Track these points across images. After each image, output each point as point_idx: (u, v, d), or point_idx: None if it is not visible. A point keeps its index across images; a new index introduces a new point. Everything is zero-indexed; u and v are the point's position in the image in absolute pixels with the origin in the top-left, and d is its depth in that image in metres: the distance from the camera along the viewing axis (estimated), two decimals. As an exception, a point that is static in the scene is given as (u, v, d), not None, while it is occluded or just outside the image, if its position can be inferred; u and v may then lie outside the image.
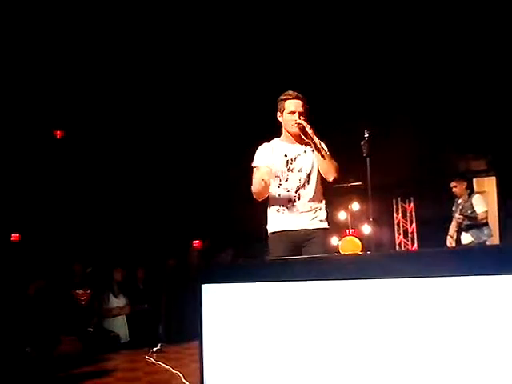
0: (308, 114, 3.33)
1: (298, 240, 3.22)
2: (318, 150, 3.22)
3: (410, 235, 9.97)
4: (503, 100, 7.29)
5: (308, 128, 3.18)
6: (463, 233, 5.91)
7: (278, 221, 3.29)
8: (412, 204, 9.97)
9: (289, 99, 3.31)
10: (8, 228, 8.15)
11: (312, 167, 3.30)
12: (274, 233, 3.29)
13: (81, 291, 6.24)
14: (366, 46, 6.57)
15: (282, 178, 3.28)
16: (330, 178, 3.26)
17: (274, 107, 3.44)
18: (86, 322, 6.01)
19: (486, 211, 5.91)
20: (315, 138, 3.20)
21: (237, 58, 6.88)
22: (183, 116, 8.29)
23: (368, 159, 3.91)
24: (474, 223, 5.83)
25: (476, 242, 5.78)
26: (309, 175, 3.30)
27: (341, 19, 6.32)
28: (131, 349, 5.92)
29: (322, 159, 3.22)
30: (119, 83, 7.39)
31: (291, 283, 1.32)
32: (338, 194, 9.49)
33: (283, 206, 3.27)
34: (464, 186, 6.08)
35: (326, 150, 3.28)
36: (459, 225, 5.92)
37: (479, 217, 5.80)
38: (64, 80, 7.23)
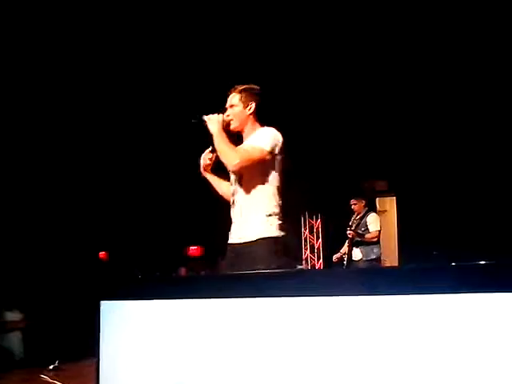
0: (248, 105, 2.99)
1: (232, 255, 2.94)
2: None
3: (316, 250, 10.28)
4: (402, 123, 7.76)
5: (209, 125, 2.90)
6: (354, 249, 6.17)
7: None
8: (319, 220, 10.30)
9: (227, 96, 3.07)
10: None
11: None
12: None
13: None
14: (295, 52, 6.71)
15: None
16: (228, 168, 2.92)
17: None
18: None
19: (378, 231, 6.22)
20: (212, 132, 2.88)
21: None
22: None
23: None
24: (365, 241, 6.11)
25: (365, 259, 6.07)
26: (240, 177, 2.95)
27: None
28: (26, 367, 5.58)
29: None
30: (108, 88, 7.06)
31: (195, 301, 1.30)
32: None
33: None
34: (363, 204, 6.38)
35: (218, 144, 2.87)
36: (351, 240, 6.18)
37: (371, 235, 6.10)
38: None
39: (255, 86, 3.06)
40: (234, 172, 2.93)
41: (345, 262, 6.24)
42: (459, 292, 0.97)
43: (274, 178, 2.90)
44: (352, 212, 6.42)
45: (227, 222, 3.08)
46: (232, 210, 3.00)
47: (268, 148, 2.82)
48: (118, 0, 5.74)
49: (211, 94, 3.50)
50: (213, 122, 2.87)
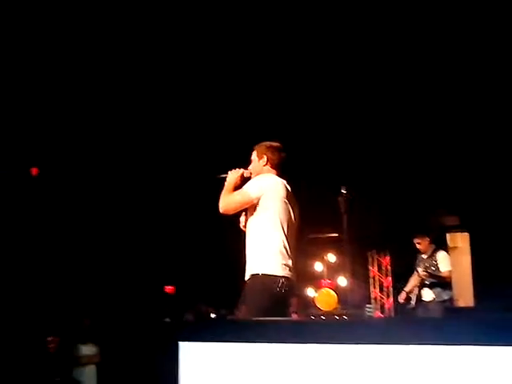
0: (261, 159, 3.40)
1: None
2: None
3: (385, 289, 9.98)
4: (475, 158, 7.52)
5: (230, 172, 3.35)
6: (425, 289, 5.89)
7: None
8: (388, 258, 10.03)
9: None
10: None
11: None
12: None
13: (50, 338, 6.06)
14: (346, 106, 6.78)
15: None
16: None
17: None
18: (54, 370, 5.82)
19: (450, 271, 5.93)
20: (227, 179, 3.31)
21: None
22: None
23: (345, 215, 3.98)
24: (437, 281, 5.83)
25: (437, 300, 5.79)
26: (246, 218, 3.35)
27: (322, 76, 6.54)
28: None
29: None
30: (95, 120, 7.43)
31: (275, 345, 1.33)
32: (313, 245, 9.54)
33: None
34: (427, 242, 6.10)
35: (222, 194, 3.27)
36: (422, 281, 5.91)
37: (443, 275, 5.83)
38: (39, 117, 7.24)
39: (269, 143, 3.47)
40: (223, 214, 3.25)
41: (412, 302, 5.96)
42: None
43: (271, 222, 3.15)
44: (417, 251, 6.18)
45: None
46: None
47: (252, 194, 3.18)
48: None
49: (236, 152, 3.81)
50: (232, 173, 3.34)
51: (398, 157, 7.75)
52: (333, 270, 9.85)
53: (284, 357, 1.33)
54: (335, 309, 8.24)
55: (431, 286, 5.83)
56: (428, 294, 5.84)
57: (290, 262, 3.12)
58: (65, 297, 7.44)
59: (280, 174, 3.38)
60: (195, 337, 1.58)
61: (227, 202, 3.22)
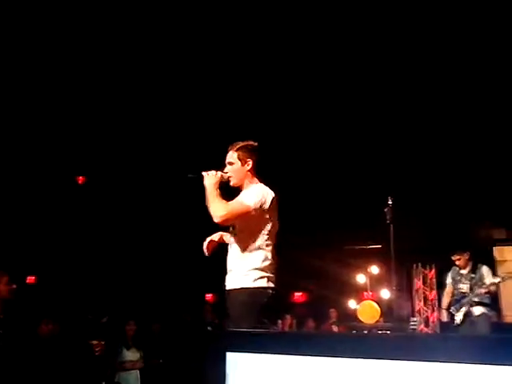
0: (246, 162, 3.15)
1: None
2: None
3: (430, 302, 9.76)
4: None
5: (205, 180, 3.06)
6: (475, 306, 5.77)
7: None
8: (433, 270, 9.81)
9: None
10: (24, 270, 8.20)
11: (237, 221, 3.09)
12: None
13: (95, 341, 6.17)
14: (387, 117, 6.72)
15: None
16: (213, 221, 2.98)
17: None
18: (99, 374, 5.92)
19: (496, 282, 5.83)
20: (206, 188, 3.04)
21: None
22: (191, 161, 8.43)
23: (391, 226, 3.94)
24: (485, 296, 5.72)
25: (485, 313, 5.67)
26: (233, 228, 3.13)
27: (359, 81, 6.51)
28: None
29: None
30: (138, 129, 7.58)
31: (329, 359, 1.32)
32: (356, 257, 9.44)
33: None
34: (467, 258, 6.01)
35: (209, 199, 3.01)
36: (470, 299, 5.78)
37: (491, 289, 5.71)
38: (85, 125, 7.44)
39: (253, 143, 3.21)
40: (219, 224, 3.02)
41: (457, 318, 5.84)
42: None
43: (263, 234, 3.03)
44: (454, 264, 6.07)
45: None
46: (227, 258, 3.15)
47: (252, 205, 2.97)
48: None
49: (209, 150, 3.60)
50: (209, 177, 3.06)
51: (444, 168, 7.61)
52: (376, 282, 9.71)
53: (334, 371, 1.32)
54: (377, 322, 8.10)
55: (480, 303, 5.70)
56: (478, 309, 5.72)
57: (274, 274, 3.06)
58: (111, 301, 7.59)
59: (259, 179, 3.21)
60: (243, 347, 1.58)
61: (226, 210, 2.95)
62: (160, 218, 8.96)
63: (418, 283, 9.90)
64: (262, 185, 3.15)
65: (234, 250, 3.10)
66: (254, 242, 3.02)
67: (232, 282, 3.04)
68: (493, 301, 5.80)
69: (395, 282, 4.97)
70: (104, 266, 8.64)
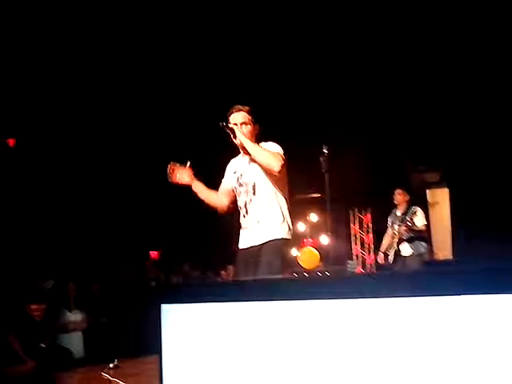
0: (255, 126, 3.25)
1: (248, 258, 3.10)
2: (248, 153, 3.14)
3: (366, 245, 10.16)
4: (456, 114, 7.56)
5: (238, 133, 3.09)
6: (403, 244, 6.00)
7: (240, 238, 3.25)
8: (368, 215, 10.17)
9: (232, 113, 3.24)
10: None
11: (255, 178, 3.14)
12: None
13: (35, 306, 6.03)
14: (322, 64, 6.71)
15: (236, 195, 3.26)
16: (274, 171, 3.04)
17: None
18: (40, 338, 5.82)
19: (426, 224, 6.08)
20: (243, 140, 3.09)
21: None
22: (138, 120, 8.25)
23: (327, 174, 3.98)
24: (414, 235, 5.95)
25: (416, 253, 5.93)
26: (254, 187, 3.15)
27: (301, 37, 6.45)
28: (87, 365, 5.77)
29: (256, 159, 3.09)
30: (68, 91, 7.31)
31: (253, 303, 1.33)
32: (296, 206, 9.59)
33: (240, 222, 3.25)
34: (407, 198, 6.21)
35: (256, 150, 3.09)
36: (399, 236, 6.03)
37: (419, 229, 5.95)
38: (14, 88, 7.09)
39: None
40: (276, 174, 3.06)
41: (391, 258, 6.10)
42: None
43: (284, 186, 3.18)
44: (393, 204, 6.29)
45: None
46: (244, 218, 3.19)
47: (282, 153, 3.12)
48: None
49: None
50: (241, 131, 3.13)
51: (377, 114, 7.74)
52: (315, 229, 9.97)
53: (266, 314, 1.34)
54: (318, 267, 8.37)
55: (409, 241, 5.95)
56: (406, 249, 5.97)
57: None
58: (48, 263, 7.42)
59: None
60: (177, 299, 1.58)
61: (279, 158, 3.04)
62: (97, 174, 8.74)
63: (354, 228, 10.26)
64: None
65: (260, 203, 3.12)
66: (279, 196, 3.14)
67: (270, 233, 3.07)
68: (424, 240, 6.04)
69: (332, 228, 5.08)
70: (39, 229, 8.37)
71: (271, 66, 6.79)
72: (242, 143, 3.12)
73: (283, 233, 3.08)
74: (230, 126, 3.13)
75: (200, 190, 3.31)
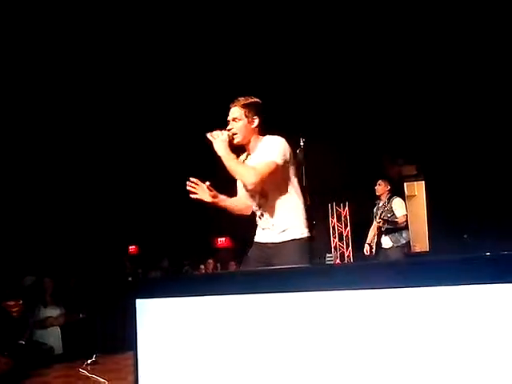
0: (252, 119, 2.99)
1: (262, 253, 3.03)
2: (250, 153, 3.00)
3: (344, 238, 10.25)
4: (434, 109, 7.64)
5: (214, 144, 2.87)
6: (383, 236, 6.04)
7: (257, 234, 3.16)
8: (346, 209, 10.26)
9: (230, 109, 3.03)
10: None
11: None
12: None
13: (12, 302, 5.95)
14: (300, 58, 6.72)
15: (249, 197, 3.12)
16: (247, 186, 2.91)
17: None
18: (18, 334, 5.75)
19: (406, 215, 6.11)
20: (218, 152, 2.86)
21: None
22: (123, 118, 8.18)
23: (303, 167, 3.99)
24: (393, 227, 5.97)
25: (395, 245, 5.97)
26: (263, 189, 2.98)
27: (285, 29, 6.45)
28: (65, 361, 5.72)
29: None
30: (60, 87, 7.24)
31: (231, 296, 1.33)
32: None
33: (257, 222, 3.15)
34: (387, 188, 6.23)
35: (229, 164, 2.86)
36: (379, 229, 6.09)
37: (399, 220, 5.99)
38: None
39: (257, 100, 3.05)
40: (252, 190, 2.93)
41: (373, 250, 6.16)
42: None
43: (294, 183, 2.98)
44: (375, 196, 6.32)
45: (254, 214, 3.14)
46: (260, 220, 3.06)
47: (280, 161, 2.85)
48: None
49: (211, 106, 3.46)
50: (218, 143, 2.87)
51: (355, 107, 7.79)
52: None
53: (245, 308, 1.34)
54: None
55: (388, 232, 5.99)
56: (387, 241, 6.01)
57: None
58: (25, 259, 7.34)
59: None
60: (151, 293, 1.57)
61: (257, 174, 2.80)
62: (75, 170, 8.66)
63: (332, 221, 10.34)
64: (277, 137, 2.99)
65: (271, 211, 2.97)
66: (290, 195, 2.96)
67: (285, 232, 2.95)
68: (404, 231, 6.07)
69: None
70: (15, 225, 8.26)
71: (247, 58, 6.78)
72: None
73: (299, 233, 2.93)
74: (208, 136, 2.90)
75: (228, 203, 3.14)
